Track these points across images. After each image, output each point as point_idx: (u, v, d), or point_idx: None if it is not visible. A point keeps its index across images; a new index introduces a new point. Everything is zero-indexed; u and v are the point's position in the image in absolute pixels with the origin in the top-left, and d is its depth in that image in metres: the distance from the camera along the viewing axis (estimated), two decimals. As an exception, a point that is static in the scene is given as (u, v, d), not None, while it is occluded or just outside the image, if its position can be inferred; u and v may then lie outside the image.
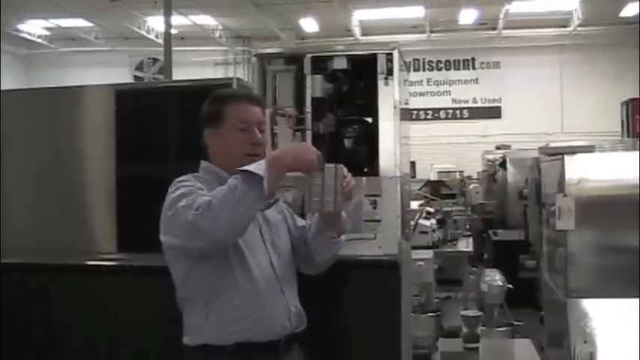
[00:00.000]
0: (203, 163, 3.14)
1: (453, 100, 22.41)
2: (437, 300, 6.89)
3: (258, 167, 2.67)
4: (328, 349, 3.13)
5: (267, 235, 3.01)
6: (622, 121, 16.62)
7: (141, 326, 4.78)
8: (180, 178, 3.05)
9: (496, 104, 22.05)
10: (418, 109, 21.45)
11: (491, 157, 14.51)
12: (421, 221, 7.80)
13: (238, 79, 4.93)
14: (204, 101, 3.15)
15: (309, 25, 19.87)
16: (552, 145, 7.44)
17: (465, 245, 9.11)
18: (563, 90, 21.19)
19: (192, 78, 5.89)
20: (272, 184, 2.67)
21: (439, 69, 22.56)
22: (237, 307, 2.84)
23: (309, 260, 3.18)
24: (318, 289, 3.24)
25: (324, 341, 3.07)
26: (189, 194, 2.83)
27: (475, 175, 16.77)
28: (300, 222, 3.29)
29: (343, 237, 3.19)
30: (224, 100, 3.06)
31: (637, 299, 4.17)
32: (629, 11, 18.74)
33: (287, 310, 2.96)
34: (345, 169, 2.93)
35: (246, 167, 2.68)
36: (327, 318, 3.08)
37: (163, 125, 5.06)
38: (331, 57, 4.37)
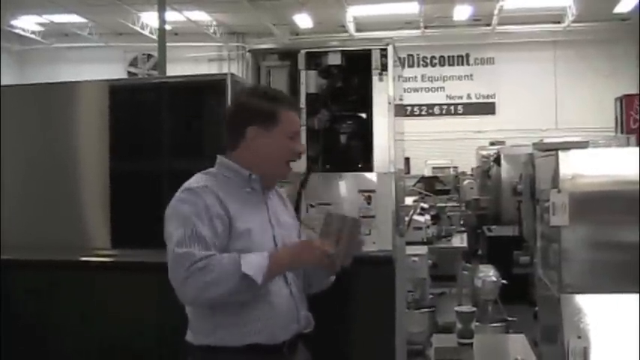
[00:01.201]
0: (221, 160, 3.01)
1: (448, 96, 22.42)
2: (431, 296, 6.91)
3: (258, 269, 2.65)
4: (323, 344, 3.12)
5: (279, 239, 2.95)
6: (616, 117, 16.66)
7: (135, 321, 4.78)
8: (191, 186, 2.89)
9: (490, 100, 22.06)
10: (412, 105, 21.46)
11: (485, 153, 14.53)
12: (415, 217, 7.82)
13: (232, 74, 4.93)
14: (254, 98, 3.01)
15: (303, 20, 19.83)
16: (546, 140, 7.45)
17: (459, 241, 9.13)
18: (558, 86, 21.21)
19: (186, 74, 5.88)
20: (267, 279, 2.69)
21: (433, 65, 22.57)
22: (246, 310, 2.80)
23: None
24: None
25: (319, 336, 3.06)
26: (190, 241, 2.71)
27: (469, 171, 16.80)
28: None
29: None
30: (279, 103, 2.97)
31: (631, 294, 4.18)
32: (623, 7, 18.76)
33: (296, 314, 2.94)
34: (359, 224, 2.91)
35: (247, 266, 2.64)
36: (321, 313, 3.07)
37: (157, 121, 5.06)
38: (325, 53, 4.37)
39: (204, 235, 2.72)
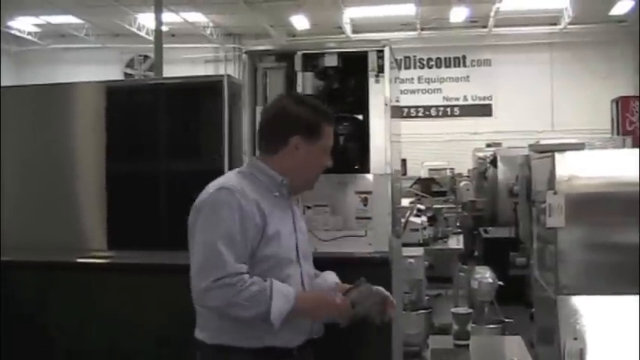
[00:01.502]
0: (255, 162, 3.04)
1: (444, 98, 22.41)
2: (427, 297, 6.90)
3: (278, 316, 2.73)
4: (319, 346, 3.12)
5: (300, 246, 2.99)
6: (612, 119, 16.69)
7: (131, 322, 4.78)
8: (227, 185, 2.88)
9: (487, 102, 22.06)
10: (409, 107, 21.45)
11: (481, 154, 14.54)
12: (412, 219, 7.82)
13: (229, 76, 4.93)
14: (301, 107, 3.02)
15: (300, 22, 19.83)
16: (543, 142, 7.47)
17: (456, 243, 9.13)
18: (554, 88, 21.22)
19: (182, 75, 5.89)
20: (281, 319, 2.74)
21: (430, 67, 22.56)
22: None
23: None
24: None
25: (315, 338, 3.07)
26: (223, 244, 2.74)
27: (466, 173, 16.80)
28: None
29: None
30: (323, 117, 3.01)
31: (627, 296, 4.19)
32: (619, 9, 18.78)
33: (310, 321, 2.98)
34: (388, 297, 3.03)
35: (274, 309, 2.71)
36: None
37: (154, 122, 5.06)
38: (322, 54, 4.36)
39: (237, 239, 2.74)
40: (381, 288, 3.02)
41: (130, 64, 22.50)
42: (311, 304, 2.86)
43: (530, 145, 8.16)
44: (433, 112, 22.38)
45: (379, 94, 4.23)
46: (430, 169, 16.70)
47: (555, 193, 4.30)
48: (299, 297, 2.80)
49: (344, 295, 2.86)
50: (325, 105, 3.08)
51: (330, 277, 3.20)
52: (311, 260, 3.11)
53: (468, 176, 15.96)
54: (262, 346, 2.83)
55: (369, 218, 4.03)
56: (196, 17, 19.92)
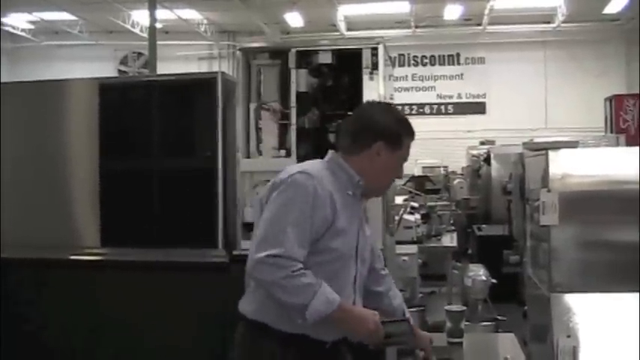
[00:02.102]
0: (336, 158, 3.06)
1: (438, 96, 22.41)
2: (421, 295, 6.92)
3: (316, 314, 2.77)
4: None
5: (360, 248, 3.03)
6: (605, 117, 16.70)
7: (124, 319, 4.78)
8: (309, 171, 2.93)
9: (481, 100, 22.07)
10: (403, 104, 21.40)
11: (475, 152, 14.55)
12: (405, 216, 7.82)
13: (223, 73, 4.93)
14: (389, 116, 3.10)
15: (294, 19, 19.81)
16: (536, 140, 7.46)
17: (449, 240, 9.13)
18: (548, 86, 21.23)
19: (176, 72, 5.87)
20: (316, 319, 2.78)
21: (424, 64, 22.56)
22: None
23: None
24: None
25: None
26: (288, 224, 2.80)
27: (459, 171, 16.81)
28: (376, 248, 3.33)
29: None
30: (407, 130, 3.09)
31: (621, 294, 4.19)
32: (612, 8, 18.79)
33: None
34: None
35: (311, 309, 2.75)
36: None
37: (147, 119, 5.05)
38: (316, 51, 4.37)
39: (304, 224, 2.80)
40: (425, 334, 3.22)
41: (123, 61, 22.45)
42: (349, 317, 2.87)
43: (524, 143, 8.15)
44: (427, 109, 22.37)
45: (373, 91, 4.24)
46: (424, 167, 16.70)
47: (549, 191, 4.29)
48: (342, 307, 2.82)
49: (384, 322, 2.87)
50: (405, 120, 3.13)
51: (397, 301, 3.29)
52: (368, 264, 3.14)
53: (461, 174, 15.98)
54: (296, 333, 2.86)
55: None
56: (190, 14, 19.88)
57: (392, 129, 3.03)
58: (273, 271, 2.75)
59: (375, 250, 3.27)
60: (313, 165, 3.02)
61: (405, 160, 3.08)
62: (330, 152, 3.07)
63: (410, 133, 3.09)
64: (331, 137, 4.36)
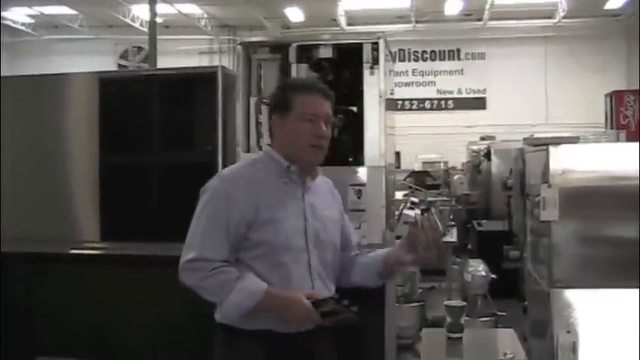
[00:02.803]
0: (267, 149, 3.13)
1: (438, 91, 22.40)
2: (421, 290, 6.92)
3: (236, 310, 2.83)
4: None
5: (311, 232, 2.98)
6: (606, 113, 16.72)
7: (124, 313, 4.78)
8: (222, 173, 3.04)
9: (481, 95, 22.06)
10: (403, 100, 21.43)
11: (475, 147, 14.54)
12: (405, 211, 7.80)
13: (223, 67, 4.92)
14: (276, 90, 3.13)
15: (294, 14, 19.80)
16: (537, 136, 7.47)
17: (449, 236, 9.13)
18: (548, 81, 21.21)
19: (176, 67, 5.87)
20: (238, 314, 2.84)
21: (424, 59, 22.54)
22: None
23: (348, 278, 3.19)
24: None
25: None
26: (206, 227, 2.89)
27: (459, 166, 16.80)
28: (354, 238, 3.28)
29: None
30: (294, 90, 3.04)
31: (621, 289, 4.19)
32: (613, 3, 18.79)
33: None
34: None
35: (228, 304, 2.82)
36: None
37: (147, 114, 5.05)
38: (317, 46, 4.37)
39: (218, 226, 2.86)
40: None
41: (123, 55, 22.45)
42: (277, 305, 2.84)
43: (524, 139, 8.16)
44: (427, 105, 22.37)
45: (374, 87, 4.23)
46: (424, 162, 16.72)
47: (549, 187, 4.29)
48: (269, 295, 2.81)
49: (316, 303, 2.81)
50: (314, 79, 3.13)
51: (368, 256, 3.22)
52: (335, 246, 3.10)
53: (461, 169, 15.97)
54: (260, 329, 2.86)
55: (362, 211, 4.03)
56: (191, 9, 19.87)
57: (277, 98, 3.07)
58: (192, 275, 2.85)
59: (347, 235, 3.22)
60: (238, 165, 3.12)
61: (309, 113, 2.97)
62: (265, 146, 3.11)
63: (300, 90, 3.04)
64: (332, 132, 4.35)
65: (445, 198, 11.87)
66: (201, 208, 2.93)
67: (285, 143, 3.00)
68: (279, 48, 4.46)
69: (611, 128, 15.61)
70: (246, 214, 2.85)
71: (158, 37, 16.25)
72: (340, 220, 3.18)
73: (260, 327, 2.86)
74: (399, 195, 8.09)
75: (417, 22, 20.67)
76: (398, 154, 14.18)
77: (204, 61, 21.92)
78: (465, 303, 4.91)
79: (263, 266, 2.87)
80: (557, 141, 4.59)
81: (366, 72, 4.27)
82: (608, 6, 19.07)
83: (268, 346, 2.88)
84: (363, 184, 4.13)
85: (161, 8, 17.30)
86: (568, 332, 4.00)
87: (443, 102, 22.37)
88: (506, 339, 4.51)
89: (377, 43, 4.28)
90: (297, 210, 2.96)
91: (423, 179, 12.70)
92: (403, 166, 15.37)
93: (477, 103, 21.99)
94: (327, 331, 3.01)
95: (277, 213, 2.89)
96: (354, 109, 4.35)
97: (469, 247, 11.83)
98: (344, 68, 4.41)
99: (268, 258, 2.88)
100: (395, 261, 3.09)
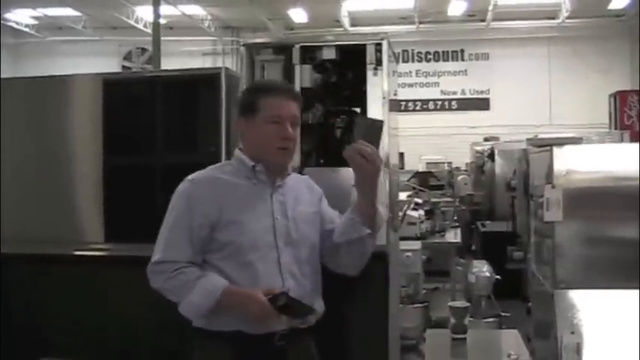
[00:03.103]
0: (235, 151, 3.12)
1: (442, 92, 22.40)
2: (425, 291, 6.91)
3: (195, 311, 2.88)
4: (316, 339, 3.12)
5: (281, 231, 2.97)
6: (609, 114, 16.70)
7: (128, 315, 4.78)
8: (188, 178, 3.06)
9: (485, 96, 22.04)
10: (407, 100, 21.43)
11: (479, 148, 14.52)
12: (409, 212, 7.82)
13: (227, 68, 4.93)
14: (241, 94, 3.20)
15: (298, 15, 19.81)
16: (540, 136, 7.45)
17: (453, 236, 9.14)
18: (552, 82, 21.20)
19: (180, 68, 5.87)
20: (197, 313, 2.89)
21: (428, 60, 22.54)
22: None
23: (337, 259, 3.14)
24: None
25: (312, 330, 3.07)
26: (171, 231, 2.96)
27: (463, 167, 16.78)
28: (335, 221, 3.20)
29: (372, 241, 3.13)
30: (260, 92, 3.06)
31: (625, 290, 4.19)
32: (617, 3, 18.77)
33: None
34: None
35: (187, 305, 2.87)
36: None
37: (151, 115, 5.05)
38: (320, 47, 4.36)
39: (181, 228, 2.92)
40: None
41: (127, 56, 22.45)
42: (235, 303, 2.84)
43: (528, 139, 8.14)
44: (431, 105, 22.36)
45: (377, 87, 4.23)
46: (428, 163, 16.69)
47: (553, 187, 4.28)
48: (227, 292, 2.82)
49: (273, 298, 2.79)
50: (280, 81, 3.15)
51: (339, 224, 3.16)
52: (309, 245, 3.06)
53: (465, 170, 15.95)
54: (233, 330, 2.87)
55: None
56: (194, 10, 19.88)
57: (242, 101, 3.10)
58: (157, 278, 2.93)
59: (329, 223, 3.16)
60: (207, 169, 3.11)
61: (275, 115, 2.97)
62: (236, 150, 3.11)
63: (266, 92, 3.05)
64: (336, 133, 4.35)
65: (449, 198, 11.86)
66: (168, 212, 2.99)
67: (253, 145, 3.02)
68: (282, 49, 4.46)
69: (615, 129, 15.60)
70: (210, 215, 2.89)
71: (162, 38, 16.26)
72: (317, 215, 3.15)
73: (229, 328, 2.87)
74: (402, 196, 8.10)
75: (420, 22, 20.68)
76: (402, 154, 14.18)
77: (207, 63, 21.93)
78: (468, 304, 4.91)
79: (231, 266, 2.89)
80: (561, 141, 4.58)
81: (370, 73, 4.26)
82: (611, 6, 19.06)
83: (238, 347, 2.87)
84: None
85: (165, 10, 17.32)
86: (572, 333, 4.00)
87: (446, 103, 22.36)
88: (510, 340, 4.51)
89: (380, 44, 4.28)
90: (265, 210, 2.97)
91: (426, 180, 12.68)
92: (407, 167, 15.35)
93: (481, 104, 21.99)
94: (305, 332, 3.02)
95: (243, 213, 2.91)
96: (358, 110, 4.35)
97: (473, 247, 11.83)
98: (347, 69, 4.41)
99: (235, 258, 2.89)
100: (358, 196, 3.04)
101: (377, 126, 2.97)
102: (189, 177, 3.05)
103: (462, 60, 22.38)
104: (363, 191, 3.00)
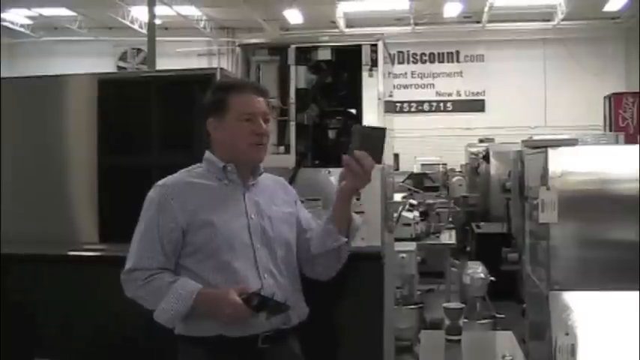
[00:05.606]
0: (206, 153, 3.10)
1: (437, 93, 22.43)
2: (419, 292, 6.91)
3: (169, 318, 2.86)
4: (310, 340, 3.11)
5: (256, 230, 2.96)
6: (604, 115, 16.71)
7: (123, 315, 4.76)
8: (158, 182, 3.05)
9: (480, 97, 22.09)
10: (402, 102, 21.46)
11: (474, 150, 14.54)
12: (404, 213, 7.82)
13: (222, 69, 4.92)
14: (208, 94, 3.11)
15: (293, 16, 19.81)
16: (535, 138, 7.46)
17: (448, 238, 9.15)
18: (547, 84, 21.24)
19: (175, 68, 5.86)
20: (173, 319, 2.86)
21: (423, 62, 22.57)
22: None
23: (312, 267, 3.13)
24: (301, 280, 3.22)
25: (306, 332, 3.06)
26: (143, 237, 2.98)
27: (458, 168, 16.80)
28: (311, 226, 3.19)
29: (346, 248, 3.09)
30: (228, 90, 3.03)
31: (619, 292, 4.19)
32: (612, 6, 18.81)
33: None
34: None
35: (160, 311, 2.85)
36: (309, 309, 3.07)
37: (146, 115, 5.04)
38: (315, 48, 4.35)
39: (151, 234, 2.92)
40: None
41: (122, 57, 22.44)
42: (208, 306, 2.81)
43: (523, 141, 8.15)
44: (426, 107, 22.39)
45: (372, 89, 4.22)
46: (423, 164, 16.69)
47: (548, 189, 4.29)
48: (200, 295, 2.80)
49: (247, 299, 2.76)
50: (248, 79, 3.14)
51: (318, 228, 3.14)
52: (285, 244, 3.05)
53: (460, 171, 15.97)
54: (208, 336, 2.86)
55: (361, 212, 4.02)
56: (189, 10, 19.88)
57: (211, 101, 3.05)
58: (130, 286, 2.94)
59: (306, 228, 3.16)
60: (177, 173, 3.08)
61: (247, 112, 2.96)
62: (206, 152, 3.09)
63: (235, 89, 3.04)
64: (330, 134, 4.34)
65: (444, 200, 11.87)
66: (139, 219, 3.00)
67: (226, 145, 3.00)
68: (277, 50, 4.45)
69: (610, 130, 15.61)
70: (180, 219, 2.87)
71: (157, 38, 16.25)
72: (292, 215, 3.15)
73: (210, 333, 2.85)
74: (397, 197, 8.11)
75: (416, 24, 20.70)
76: (396, 156, 14.19)
77: (203, 63, 21.94)
78: (463, 305, 4.93)
79: (207, 269, 2.87)
80: (556, 143, 4.58)
81: (365, 74, 4.25)
82: (607, 8, 19.09)
83: (220, 352, 2.85)
84: (361, 186, 4.12)
85: (160, 10, 17.31)
86: (566, 334, 4.01)
87: (442, 104, 22.40)
88: (505, 341, 4.52)
89: (376, 45, 4.27)
90: (238, 210, 2.96)
91: (421, 181, 12.68)
92: (402, 168, 15.35)
93: (476, 105, 22.03)
94: (288, 333, 3.01)
95: (215, 215, 2.89)
96: (353, 111, 4.34)
97: (468, 249, 11.85)
98: (343, 70, 4.41)
99: (211, 260, 2.87)
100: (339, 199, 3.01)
101: (377, 135, 2.92)
102: (159, 182, 3.02)
103: (458, 61, 22.41)
104: (346, 197, 2.99)
